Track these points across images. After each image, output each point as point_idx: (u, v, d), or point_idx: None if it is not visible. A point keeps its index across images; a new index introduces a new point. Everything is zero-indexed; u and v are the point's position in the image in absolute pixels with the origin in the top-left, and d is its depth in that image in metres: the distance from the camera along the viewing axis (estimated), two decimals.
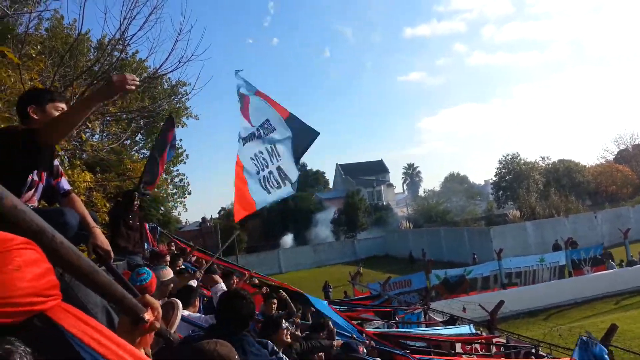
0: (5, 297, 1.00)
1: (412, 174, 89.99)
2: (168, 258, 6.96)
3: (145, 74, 11.21)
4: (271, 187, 7.90)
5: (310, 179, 65.25)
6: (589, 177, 55.12)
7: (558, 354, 11.59)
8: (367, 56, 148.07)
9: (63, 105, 2.82)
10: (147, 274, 3.85)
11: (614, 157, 62.92)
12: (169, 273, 4.77)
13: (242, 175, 7.64)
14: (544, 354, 11.37)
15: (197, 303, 4.77)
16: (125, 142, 14.09)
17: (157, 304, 1.60)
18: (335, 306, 11.39)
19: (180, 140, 21.19)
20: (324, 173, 73.58)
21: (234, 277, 7.50)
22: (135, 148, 18.75)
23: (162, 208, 27.79)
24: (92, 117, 9.14)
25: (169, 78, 14.67)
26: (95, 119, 9.44)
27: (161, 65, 8.57)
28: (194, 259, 10.07)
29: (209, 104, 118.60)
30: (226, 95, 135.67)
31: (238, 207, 7.63)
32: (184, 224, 45.61)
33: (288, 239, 51.97)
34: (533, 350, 11.26)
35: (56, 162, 2.99)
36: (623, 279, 22.80)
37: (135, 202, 6.88)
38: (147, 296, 1.59)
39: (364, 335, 7.81)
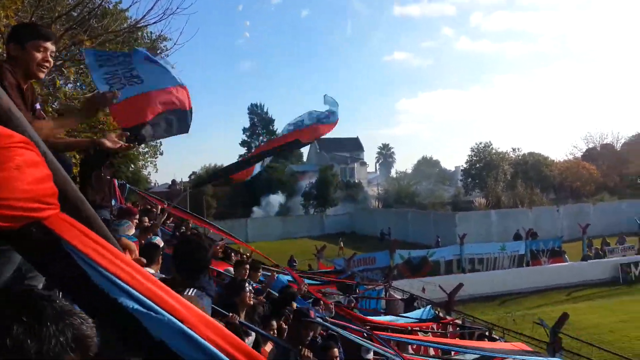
0: (4, 199, 0.94)
1: (385, 154, 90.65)
2: (137, 216, 6.90)
3: (126, 25, 10.85)
4: None
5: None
6: (556, 171, 56.55)
7: (510, 338, 12.08)
8: (354, 30, 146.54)
9: (47, 45, 2.60)
10: (124, 222, 3.88)
11: (582, 154, 64.55)
12: (130, 229, 4.78)
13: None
14: (497, 337, 11.83)
15: (160, 261, 4.79)
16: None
17: (134, 246, 1.62)
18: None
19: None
20: None
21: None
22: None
23: (132, 166, 27.28)
24: (67, 64, 8.87)
25: (150, 32, 14.26)
26: (71, 65, 9.16)
27: (144, 16, 8.31)
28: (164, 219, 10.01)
29: (189, 61, 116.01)
30: (209, 52, 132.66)
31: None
32: (153, 184, 44.96)
33: (258, 209, 51.90)
34: (487, 333, 11.70)
35: (38, 105, 2.90)
36: (577, 272, 23.75)
37: (107, 156, 6.72)
38: (125, 239, 1.62)
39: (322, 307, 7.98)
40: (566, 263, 25.21)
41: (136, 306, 1.03)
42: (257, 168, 8.58)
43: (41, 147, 1.11)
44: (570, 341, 11.37)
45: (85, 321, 0.91)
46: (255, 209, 51.23)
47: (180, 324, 1.05)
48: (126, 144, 2.94)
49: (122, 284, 1.04)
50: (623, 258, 25.53)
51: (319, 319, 5.00)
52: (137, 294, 1.05)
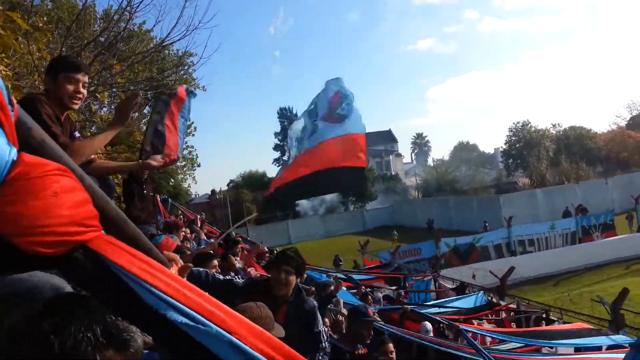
0: (45, 226, 0.95)
1: (420, 144, 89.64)
2: (183, 228, 7.03)
3: (152, 45, 11.08)
4: None
5: None
6: (600, 143, 54.61)
7: (569, 318, 11.66)
8: (378, 24, 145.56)
9: (78, 77, 2.64)
10: (160, 236, 3.96)
11: (626, 123, 62.02)
12: (175, 242, 4.88)
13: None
14: (555, 319, 11.45)
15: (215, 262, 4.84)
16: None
17: (179, 259, 1.62)
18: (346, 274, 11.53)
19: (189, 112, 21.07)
20: None
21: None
22: (143, 120, 18.74)
23: (172, 180, 27.95)
24: (100, 89, 9.11)
25: (177, 49, 14.52)
26: (103, 89, 9.41)
27: (168, 34, 8.45)
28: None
29: (216, 73, 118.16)
30: (234, 63, 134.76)
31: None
32: (193, 196, 45.89)
33: (306, 207, 51.89)
34: (544, 316, 11.34)
35: (77, 133, 2.96)
36: (633, 245, 22.77)
37: (146, 171, 6.87)
38: (170, 252, 1.61)
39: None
40: (621, 236, 24.21)
41: (185, 320, 1.02)
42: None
43: (77, 172, 1.11)
44: (633, 317, 10.91)
45: (119, 319, 0.95)
46: (302, 206, 51.28)
47: (228, 335, 1.04)
48: (170, 159, 3.02)
49: (169, 298, 1.04)
50: None
51: (378, 319, 4.90)
52: (183, 307, 1.04)
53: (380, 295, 11.86)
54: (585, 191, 36.84)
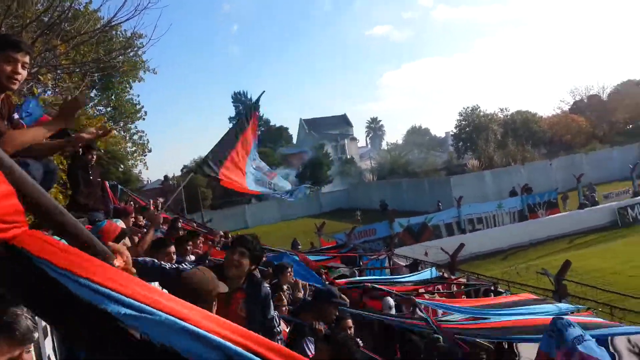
0: None
1: (375, 128, 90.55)
2: (132, 215, 6.83)
3: (99, 25, 10.63)
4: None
5: (273, 135, 64.76)
6: (545, 127, 56.72)
7: (516, 290, 12.20)
8: (334, 7, 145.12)
9: (17, 56, 2.48)
10: (102, 222, 3.78)
11: (569, 107, 64.69)
12: (119, 226, 4.74)
13: (243, 154, 8.25)
14: (502, 291, 11.96)
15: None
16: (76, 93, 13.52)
17: (125, 249, 1.54)
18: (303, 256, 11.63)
19: (138, 96, 20.45)
20: (287, 128, 73.07)
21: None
22: (90, 104, 18.05)
23: (122, 166, 27.11)
24: (43, 70, 8.72)
25: (125, 30, 14.04)
26: (47, 71, 9.01)
27: (116, 14, 8.15)
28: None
29: (166, 55, 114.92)
30: (185, 45, 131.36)
31: (229, 175, 8.17)
32: (145, 182, 44.66)
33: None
34: (492, 288, 11.81)
35: (16, 115, 2.83)
36: (575, 221, 24.04)
37: (91, 156, 6.61)
38: (114, 244, 1.56)
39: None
40: (564, 213, 25.47)
41: (128, 311, 0.94)
42: (258, 187, 8.79)
43: (5, 162, 1.03)
44: (575, 287, 11.54)
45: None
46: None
47: (181, 322, 0.96)
48: (105, 130, 2.93)
49: (107, 290, 0.96)
50: (620, 202, 25.88)
51: (346, 304, 4.98)
52: (125, 298, 0.96)
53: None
54: (530, 172, 38.37)
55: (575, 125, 55.92)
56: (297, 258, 9.80)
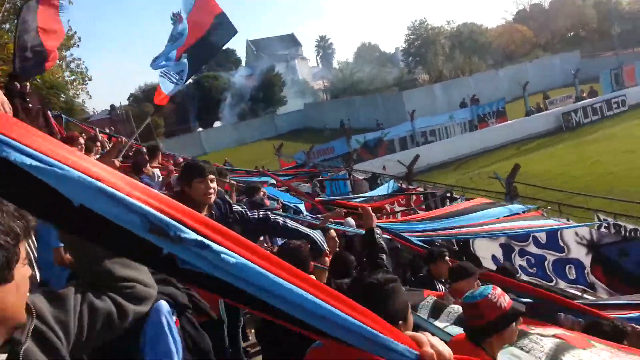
0: None
1: (324, 47, 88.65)
2: (82, 141, 6.64)
3: None
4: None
5: (220, 58, 62.52)
6: (491, 38, 57.27)
7: (469, 195, 13.01)
8: None
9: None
10: None
11: (513, 17, 65.20)
12: None
13: None
14: (457, 197, 12.72)
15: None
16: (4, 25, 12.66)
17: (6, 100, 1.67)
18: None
19: (68, 21, 19.16)
20: (235, 51, 70.59)
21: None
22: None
23: (62, 96, 25.80)
24: None
25: None
26: None
27: None
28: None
29: None
30: None
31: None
32: (91, 113, 42.86)
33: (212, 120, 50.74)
34: (448, 195, 12.54)
35: None
36: (523, 128, 25.22)
37: (26, 83, 6.35)
38: None
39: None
40: (512, 121, 26.58)
41: (34, 163, 0.80)
42: (170, 86, 8.30)
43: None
44: (525, 188, 12.35)
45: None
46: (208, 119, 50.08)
47: (97, 182, 0.84)
48: None
49: (8, 139, 0.80)
50: (564, 107, 27.11)
51: None
52: (31, 150, 0.82)
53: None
54: (478, 82, 39.25)
55: (520, 35, 56.72)
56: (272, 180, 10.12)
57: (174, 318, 2.23)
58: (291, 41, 74.73)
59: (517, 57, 52.81)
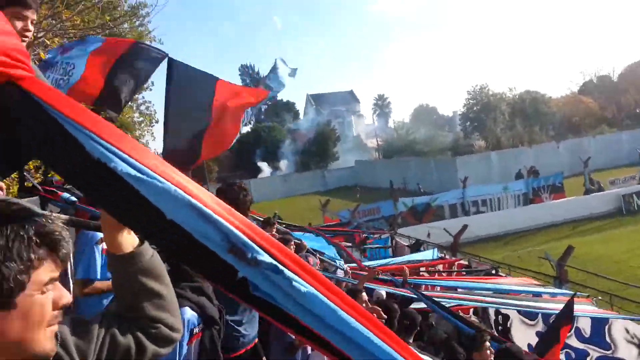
0: None
1: (382, 105, 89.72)
2: None
3: None
4: None
5: (280, 109, 64.37)
6: (554, 108, 56.09)
7: (516, 274, 12.30)
8: None
9: (28, 13, 2.43)
10: None
11: (578, 88, 63.83)
12: None
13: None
14: (503, 275, 12.06)
15: None
16: None
17: None
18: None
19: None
20: (295, 104, 72.64)
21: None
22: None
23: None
24: (50, 35, 8.67)
25: None
26: (55, 36, 8.96)
27: None
28: None
29: (174, 24, 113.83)
30: (192, 13, 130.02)
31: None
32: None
33: (264, 167, 51.75)
34: (493, 272, 11.91)
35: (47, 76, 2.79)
36: (580, 206, 23.95)
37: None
38: None
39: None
40: (569, 198, 25.40)
41: (137, 174, 0.90)
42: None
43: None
44: (576, 273, 11.59)
45: (49, 219, 0.93)
46: (261, 166, 51.07)
47: (189, 197, 0.91)
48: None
49: (108, 144, 0.92)
50: (625, 189, 25.66)
51: None
52: (127, 157, 0.92)
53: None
54: (537, 154, 38.19)
55: (584, 107, 55.29)
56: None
57: (197, 329, 2.27)
58: (350, 97, 76.20)
59: (580, 131, 51.23)
